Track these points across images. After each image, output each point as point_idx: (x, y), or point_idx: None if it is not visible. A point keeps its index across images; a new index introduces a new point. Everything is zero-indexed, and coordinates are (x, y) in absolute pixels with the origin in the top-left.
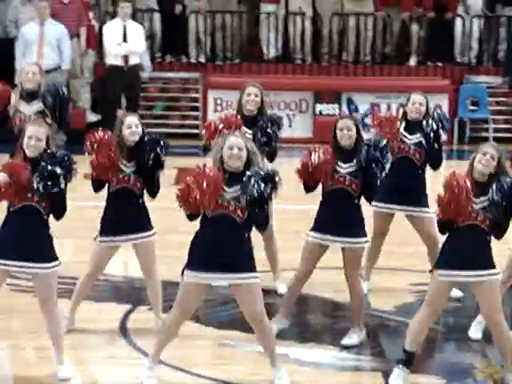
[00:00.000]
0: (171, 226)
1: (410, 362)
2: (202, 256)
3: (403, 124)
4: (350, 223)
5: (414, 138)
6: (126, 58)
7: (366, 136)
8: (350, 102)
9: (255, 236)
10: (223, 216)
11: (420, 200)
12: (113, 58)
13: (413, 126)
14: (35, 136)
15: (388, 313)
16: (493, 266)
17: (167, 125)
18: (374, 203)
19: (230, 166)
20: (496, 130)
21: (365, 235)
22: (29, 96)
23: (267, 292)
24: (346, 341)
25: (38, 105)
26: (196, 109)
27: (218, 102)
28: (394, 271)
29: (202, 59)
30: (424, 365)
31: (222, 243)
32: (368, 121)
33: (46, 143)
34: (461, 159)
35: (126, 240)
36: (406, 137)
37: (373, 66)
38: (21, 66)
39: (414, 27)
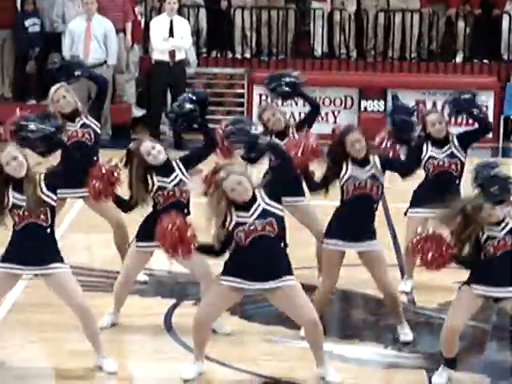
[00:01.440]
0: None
1: (451, 362)
2: (243, 269)
3: (429, 143)
4: (368, 228)
5: (444, 150)
6: (172, 53)
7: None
8: (395, 98)
9: (301, 232)
10: (259, 238)
11: None
12: (159, 54)
13: (440, 142)
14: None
15: (432, 310)
16: None
17: (212, 120)
18: (410, 210)
19: (237, 201)
20: None
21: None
22: (70, 117)
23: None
24: (403, 338)
25: (81, 121)
26: (241, 104)
27: (263, 97)
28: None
29: (248, 55)
30: (469, 363)
31: (262, 259)
32: (413, 118)
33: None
34: (506, 157)
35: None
36: (435, 153)
37: (418, 63)
38: (49, 95)
39: (461, 24)
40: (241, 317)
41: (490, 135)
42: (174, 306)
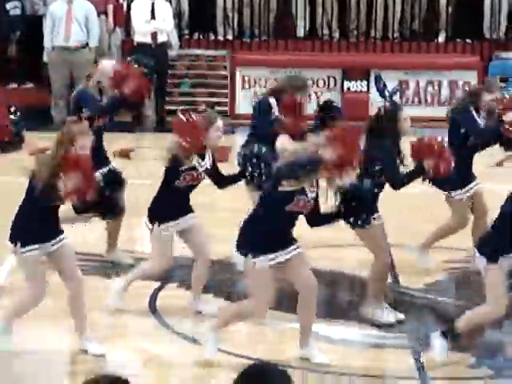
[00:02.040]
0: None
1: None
2: (279, 241)
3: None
4: None
5: None
6: (154, 35)
7: None
8: (378, 78)
9: None
10: (298, 213)
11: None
12: (141, 36)
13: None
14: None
15: (418, 290)
16: None
17: (195, 102)
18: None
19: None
20: None
21: None
22: (100, 93)
23: None
24: (393, 317)
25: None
26: (224, 86)
27: (246, 79)
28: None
29: (230, 36)
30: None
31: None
32: (396, 98)
33: None
34: None
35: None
36: None
37: (401, 43)
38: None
39: (443, 2)
40: (226, 299)
41: None
42: (159, 289)
